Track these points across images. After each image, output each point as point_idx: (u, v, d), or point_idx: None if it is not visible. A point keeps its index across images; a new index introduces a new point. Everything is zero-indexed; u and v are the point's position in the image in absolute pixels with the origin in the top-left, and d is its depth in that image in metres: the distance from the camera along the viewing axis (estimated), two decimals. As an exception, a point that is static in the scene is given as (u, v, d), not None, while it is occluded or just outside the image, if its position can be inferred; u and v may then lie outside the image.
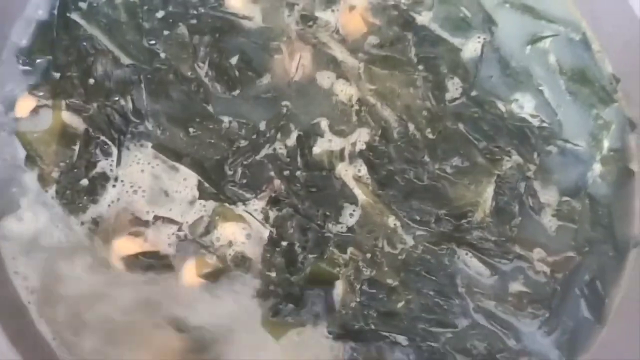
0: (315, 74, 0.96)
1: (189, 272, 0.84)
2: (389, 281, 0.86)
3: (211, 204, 0.88)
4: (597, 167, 0.97)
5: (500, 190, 0.92)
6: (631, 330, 0.86)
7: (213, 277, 0.85)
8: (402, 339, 0.85)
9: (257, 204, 0.89)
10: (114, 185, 0.89)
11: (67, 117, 0.90)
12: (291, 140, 0.92)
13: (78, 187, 0.87)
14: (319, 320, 0.85)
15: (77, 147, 0.89)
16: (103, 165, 0.89)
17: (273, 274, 0.86)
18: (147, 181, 0.89)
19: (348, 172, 0.91)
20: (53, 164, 0.88)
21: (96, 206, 0.88)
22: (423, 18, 1.02)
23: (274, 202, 0.88)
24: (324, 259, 0.85)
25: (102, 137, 0.89)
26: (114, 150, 0.89)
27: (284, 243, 0.86)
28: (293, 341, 0.84)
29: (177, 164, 0.90)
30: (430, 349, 0.84)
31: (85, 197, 0.87)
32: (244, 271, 0.86)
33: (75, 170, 0.88)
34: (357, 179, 0.91)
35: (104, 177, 0.89)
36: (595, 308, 0.90)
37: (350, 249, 0.86)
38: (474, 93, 0.98)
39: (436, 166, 0.92)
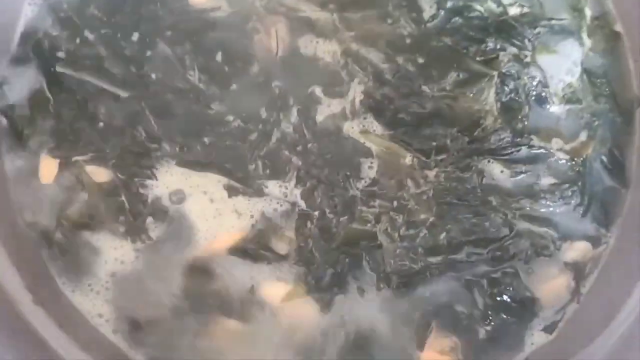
0: (297, 42, 0.94)
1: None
2: (424, 217, 0.88)
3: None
4: (586, 40, 0.94)
5: (502, 88, 0.91)
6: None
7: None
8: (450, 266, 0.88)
9: (287, 186, 0.91)
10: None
11: (94, 171, 0.91)
12: (294, 117, 0.92)
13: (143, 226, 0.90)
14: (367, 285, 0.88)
15: (123, 195, 0.91)
16: (154, 196, 0.91)
17: (310, 244, 0.88)
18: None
19: (354, 129, 0.92)
20: (112, 219, 0.91)
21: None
22: (375, -53, 0.96)
23: (298, 179, 0.90)
24: (354, 219, 0.88)
25: (137, 179, 0.91)
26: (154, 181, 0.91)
27: (315, 212, 0.88)
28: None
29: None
30: (478, 266, 0.89)
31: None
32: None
33: (138, 214, 0.90)
34: (365, 132, 0.91)
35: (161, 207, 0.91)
36: (617, 175, 0.92)
37: (378, 202, 0.88)
38: (449, 4, 0.95)
39: (435, 89, 0.91)
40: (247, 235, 0.89)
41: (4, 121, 0.92)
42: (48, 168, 0.91)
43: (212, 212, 0.91)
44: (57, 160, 0.91)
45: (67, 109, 0.93)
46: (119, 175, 0.91)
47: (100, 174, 0.91)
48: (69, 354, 0.86)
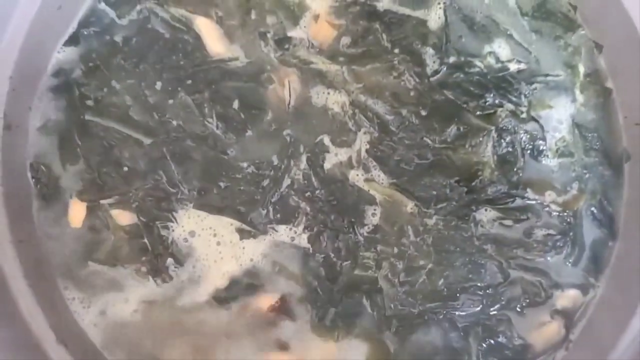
0: (308, 92, 0.97)
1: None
2: (423, 263, 0.91)
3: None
4: (579, 96, 0.97)
5: (499, 142, 0.94)
6: (639, 238, 0.90)
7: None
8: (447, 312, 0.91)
9: (296, 230, 0.94)
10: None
11: (119, 215, 0.94)
12: (303, 164, 0.95)
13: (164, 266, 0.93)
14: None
15: (145, 237, 0.94)
16: (174, 237, 0.95)
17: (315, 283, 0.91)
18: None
19: (360, 177, 0.95)
20: (136, 261, 0.94)
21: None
22: (383, 3, 1.01)
23: (306, 224, 0.93)
24: (357, 264, 0.90)
25: (158, 222, 0.94)
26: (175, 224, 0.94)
27: (321, 255, 0.91)
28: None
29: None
30: (473, 312, 0.91)
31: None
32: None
33: (159, 255, 0.93)
34: (369, 180, 0.94)
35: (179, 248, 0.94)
36: (607, 226, 0.95)
37: (379, 247, 0.91)
38: (451, 59, 0.98)
39: (436, 140, 0.94)
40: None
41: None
42: (77, 212, 0.94)
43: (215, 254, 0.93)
44: (85, 204, 0.94)
45: (94, 154, 0.97)
46: (142, 218, 0.94)
47: (124, 217, 0.95)
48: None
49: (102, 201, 0.95)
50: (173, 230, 0.94)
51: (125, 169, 0.96)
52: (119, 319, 0.92)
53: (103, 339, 0.92)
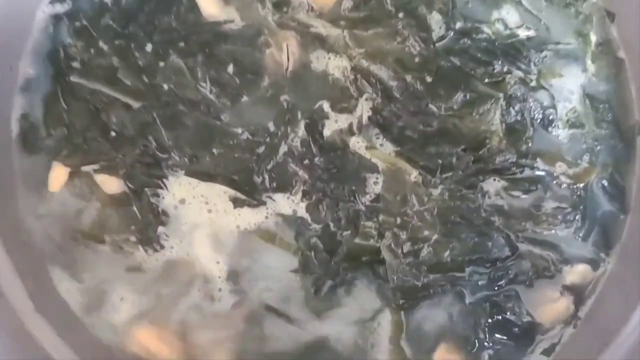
0: (307, 57, 0.92)
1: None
2: (428, 234, 0.85)
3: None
4: (590, 66, 0.92)
5: (508, 110, 0.89)
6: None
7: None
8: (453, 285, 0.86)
9: (293, 199, 0.88)
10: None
11: (105, 181, 0.88)
12: (301, 131, 0.89)
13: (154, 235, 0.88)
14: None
15: (134, 205, 0.88)
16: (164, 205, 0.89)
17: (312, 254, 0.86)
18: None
19: (361, 144, 0.89)
20: (125, 230, 0.88)
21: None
22: (386, -34, 0.93)
23: (304, 193, 0.87)
24: (357, 234, 0.85)
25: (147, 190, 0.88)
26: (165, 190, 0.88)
27: (319, 225, 0.86)
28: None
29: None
30: (480, 286, 0.86)
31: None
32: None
33: (149, 224, 0.88)
34: (371, 148, 0.89)
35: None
36: (618, 200, 0.90)
37: (381, 217, 0.86)
38: (458, 25, 0.92)
39: (442, 108, 0.89)
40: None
41: (17, 128, 0.90)
42: (58, 176, 0.88)
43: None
44: (68, 169, 0.88)
45: (80, 118, 0.91)
46: (130, 185, 0.88)
47: (110, 184, 0.89)
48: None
49: (87, 167, 0.89)
50: (163, 198, 0.88)
51: (113, 133, 0.91)
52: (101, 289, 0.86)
53: (83, 307, 0.86)
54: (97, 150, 0.90)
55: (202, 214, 0.88)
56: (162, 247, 0.87)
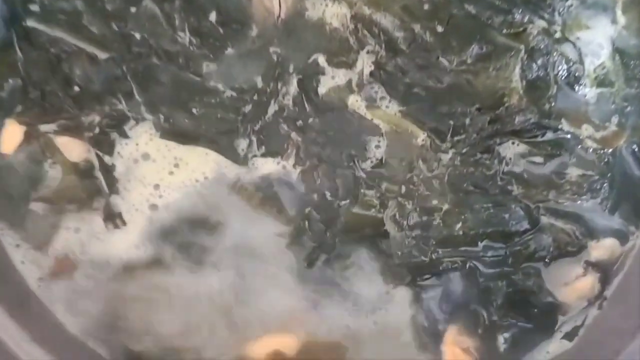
0: (301, 3, 0.80)
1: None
2: (436, 204, 0.76)
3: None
4: (620, 17, 0.81)
5: (529, 65, 0.78)
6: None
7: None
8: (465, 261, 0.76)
9: (285, 165, 0.78)
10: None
11: (67, 145, 0.76)
12: (293, 88, 0.78)
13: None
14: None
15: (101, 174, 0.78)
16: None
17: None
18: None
19: (361, 103, 0.79)
20: (87, 203, 0.78)
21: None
22: None
23: (297, 158, 0.77)
24: (357, 203, 0.76)
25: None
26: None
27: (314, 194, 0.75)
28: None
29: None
30: (495, 263, 0.76)
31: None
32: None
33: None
34: (373, 107, 0.77)
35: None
36: None
37: (384, 185, 0.76)
38: None
39: (454, 62, 0.78)
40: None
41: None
42: (11, 135, 0.77)
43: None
44: (23, 128, 0.77)
45: (38, 70, 0.79)
46: (95, 149, 0.77)
47: (73, 148, 0.78)
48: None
49: (45, 126, 0.77)
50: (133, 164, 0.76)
51: (76, 88, 0.79)
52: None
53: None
54: (58, 107, 0.78)
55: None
56: (125, 223, 0.77)
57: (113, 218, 0.77)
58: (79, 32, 0.79)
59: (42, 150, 0.77)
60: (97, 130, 0.78)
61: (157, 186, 0.79)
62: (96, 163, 0.78)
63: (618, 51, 0.81)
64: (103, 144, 0.78)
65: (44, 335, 0.74)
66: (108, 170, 0.78)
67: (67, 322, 0.77)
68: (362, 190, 0.76)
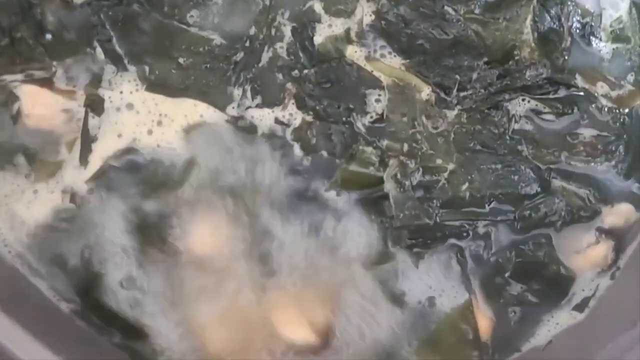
0: None
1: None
2: (440, 163, 0.69)
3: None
4: None
5: (542, 15, 0.72)
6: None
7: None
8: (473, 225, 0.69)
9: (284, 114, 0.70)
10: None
11: (34, 93, 0.67)
12: (287, 37, 0.71)
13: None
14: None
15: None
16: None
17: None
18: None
19: (360, 54, 0.71)
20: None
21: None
22: None
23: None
24: (354, 159, 0.68)
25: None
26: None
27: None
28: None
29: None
30: (504, 227, 0.69)
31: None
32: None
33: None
34: (373, 59, 0.70)
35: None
36: None
37: (385, 142, 0.68)
38: None
39: (461, 11, 0.71)
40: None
41: None
42: None
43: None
44: None
45: (7, 15, 0.70)
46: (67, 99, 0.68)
47: (42, 99, 0.68)
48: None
49: (12, 75, 0.68)
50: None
51: (49, 36, 0.70)
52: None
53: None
54: (28, 56, 0.69)
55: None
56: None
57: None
58: (51, -28, 0.70)
59: (6, 100, 0.68)
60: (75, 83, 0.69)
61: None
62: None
63: (635, 5, 0.75)
64: (93, 102, 0.69)
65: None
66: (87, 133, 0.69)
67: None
68: (360, 147, 0.68)
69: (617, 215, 0.71)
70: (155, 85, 0.70)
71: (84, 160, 0.68)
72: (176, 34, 0.70)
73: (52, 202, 0.68)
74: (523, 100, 0.71)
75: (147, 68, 0.70)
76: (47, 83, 0.69)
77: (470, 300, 0.67)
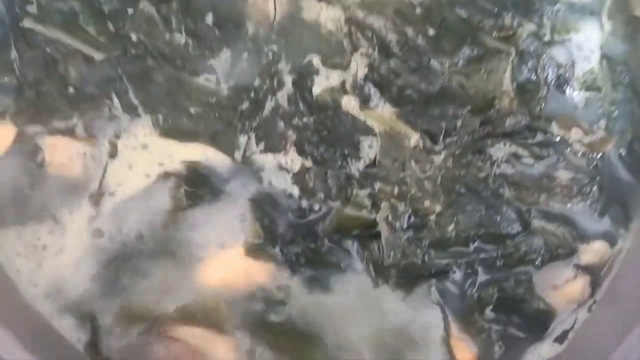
0: (297, 5, 0.76)
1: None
2: (428, 205, 0.72)
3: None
4: (606, 23, 0.79)
5: (520, 67, 0.76)
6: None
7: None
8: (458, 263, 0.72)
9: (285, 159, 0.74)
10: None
11: (57, 143, 0.71)
12: (288, 87, 0.75)
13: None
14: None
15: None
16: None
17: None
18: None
19: (354, 104, 0.75)
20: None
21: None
22: None
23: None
24: (349, 203, 0.71)
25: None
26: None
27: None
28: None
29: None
30: (487, 267, 0.72)
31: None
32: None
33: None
34: (366, 108, 0.74)
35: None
36: (636, 170, 0.78)
37: (377, 185, 0.72)
38: None
39: (446, 64, 0.75)
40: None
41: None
42: (3, 136, 0.73)
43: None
44: (15, 129, 0.73)
45: (34, 70, 0.74)
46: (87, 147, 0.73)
47: (63, 148, 0.73)
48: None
49: (38, 127, 0.73)
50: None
51: (71, 89, 0.75)
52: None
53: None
54: (52, 107, 0.74)
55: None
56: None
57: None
58: (75, 33, 0.75)
59: (32, 151, 0.73)
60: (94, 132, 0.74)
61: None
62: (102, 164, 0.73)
63: (605, 57, 0.78)
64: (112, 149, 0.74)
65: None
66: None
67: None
68: (354, 191, 0.72)
69: (592, 252, 0.74)
70: (168, 132, 0.74)
71: (102, 202, 0.72)
72: (187, 86, 0.75)
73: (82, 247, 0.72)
74: (504, 145, 0.75)
75: (160, 117, 0.74)
76: (68, 132, 0.74)
77: (448, 335, 0.70)
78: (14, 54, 0.74)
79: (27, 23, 0.75)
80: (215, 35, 0.75)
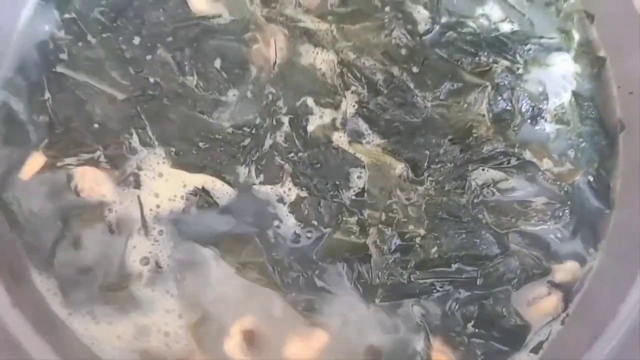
0: (295, 51, 0.83)
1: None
2: (413, 230, 0.77)
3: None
4: (574, 64, 0.85)
5: (495, 99, 0.82)
6: (634, 207, 0.79)
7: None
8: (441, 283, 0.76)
9: (284, 191, 0.79)
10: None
11: (84, 173, 0.77)
12: (285, 126, 0.81)
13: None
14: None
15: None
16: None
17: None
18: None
19: (344, 139, 0.81)
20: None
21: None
22: (372, -38, 0.86)
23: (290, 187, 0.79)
24: (339, 229, 0.76)
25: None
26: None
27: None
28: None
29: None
30: (468, 286, 0.76)
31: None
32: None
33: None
34: (354, 142, 0.80)
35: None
36: (603, 195, 0.83)
37: (366, 212, 0.77)
38: (443, 19, 0.86)
39: (429, 98, 0.81)
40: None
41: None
42: (33, 165, 0.79)
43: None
44: (44, 159, 0.79)
45: (64, 109, 0.82)
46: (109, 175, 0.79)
47: (90, 176, 0.79)
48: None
49: (66, 159, 0.79)
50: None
51: (96, 125, 0.82)
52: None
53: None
54: (79, 141, 0.81)
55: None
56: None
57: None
58: (101, 77, 0.83)
59: (67, 179, 0.79)
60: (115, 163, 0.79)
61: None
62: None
63: (573, 93, 0.84)
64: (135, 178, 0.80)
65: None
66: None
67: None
68: (344, 218, 0.77)
69: (565, 271, 0.78)
70: (179, 163, 0.80)
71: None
72: (197, 123, 0.81)
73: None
74: (483, 170, 0.79)
75: (172, 150, 0.80)
76: (94, 163, 0.80)
77: (429, 349, 0.74)
78: (47, 95, 0.82)
79: (60, 68, 0.83)
80: (222, 78, 0.82)
